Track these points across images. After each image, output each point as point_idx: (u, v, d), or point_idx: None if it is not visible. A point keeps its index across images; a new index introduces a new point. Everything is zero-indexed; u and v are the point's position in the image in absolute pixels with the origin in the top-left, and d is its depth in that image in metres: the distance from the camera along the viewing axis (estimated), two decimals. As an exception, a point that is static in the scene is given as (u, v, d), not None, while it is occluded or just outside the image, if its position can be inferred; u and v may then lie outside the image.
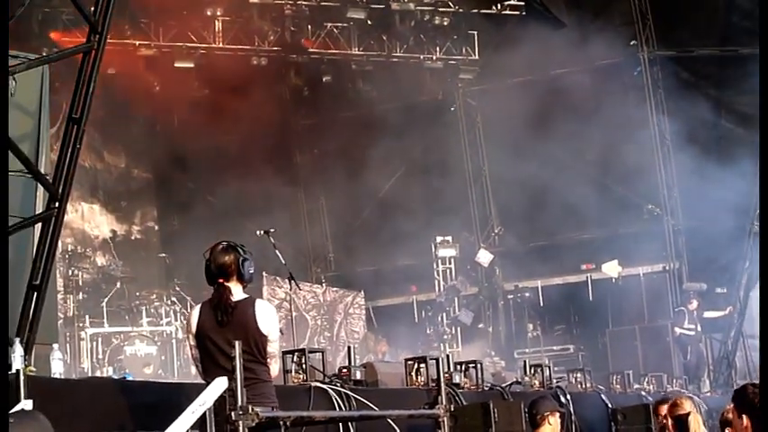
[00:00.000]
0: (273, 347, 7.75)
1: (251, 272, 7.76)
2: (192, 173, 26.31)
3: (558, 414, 10.61)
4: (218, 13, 23.33)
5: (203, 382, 7.40)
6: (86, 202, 24.77)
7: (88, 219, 24.77)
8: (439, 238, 25.27)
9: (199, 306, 7.78)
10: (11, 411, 6.11)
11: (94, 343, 18.04)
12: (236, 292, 7.66)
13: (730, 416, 7.85)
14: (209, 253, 7.72)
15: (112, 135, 25.65)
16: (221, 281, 7.65)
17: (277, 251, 16.60)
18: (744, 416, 6.58)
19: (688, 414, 9.17)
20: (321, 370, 10.57)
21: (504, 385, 13.75)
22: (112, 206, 25.92)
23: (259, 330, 7.57)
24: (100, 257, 22.64)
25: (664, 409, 10.66)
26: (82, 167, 19.58)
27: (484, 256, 25.13)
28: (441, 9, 24.02)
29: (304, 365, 10.36)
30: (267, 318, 7.65)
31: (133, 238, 26.58)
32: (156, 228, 27.58)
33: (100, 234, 24.89)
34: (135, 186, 27.11)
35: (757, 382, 6.89)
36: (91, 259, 21.24)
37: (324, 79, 25.00)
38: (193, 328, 7.69)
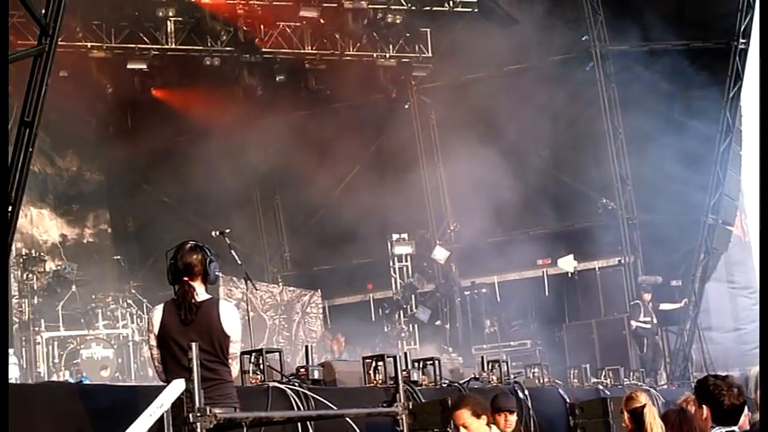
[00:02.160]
0: (235, 348, 7.78)
1: (216, 273, 7.80)
2: (146, 174, 26.17)
3: (515, 413, 10.66)
4: (170, 14, 23.20)
5: (162, 384, 7.35)
6: (35, 206, 24.58)
7: (37, 223, 24.57)
8: (395, 236, 25.30)
9: (161, 306, 7.73)
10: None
11: (50, 347, 17.82)
12: (200, 291, 7.67)
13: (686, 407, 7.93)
14: (173, 252, 7.73)
15: (64, 138, 25.50)
16: (186, 279, 7.63)
17: (233, 251, 16.58)
18: (704, 406, 6.65)
19: (643, 406, 9.21)
20: (279, 370, 10.55)
21: (462, 381, 13.78)
22: (63, 210, 25.75)
23: (223, 331, 7.58)
24: (50, 262, 22.42)
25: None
26: (31, 172, 19.41)
27: (440, 253, 25.12)
28: (393, 7, 23.99)
29: (261, 366, 10.34)
30: (231, 319, 7.67)
31: (86, 241, 26.41)
32: (110, 230, 27.43)
33: (49, 239, 24.71)
34: (87, 189, 26.96)
35: (719, 373, 7.01)
36: (45, 263, 21.05)
37: (277, 78, 24.98)
38: (156, 328, 7.64)
